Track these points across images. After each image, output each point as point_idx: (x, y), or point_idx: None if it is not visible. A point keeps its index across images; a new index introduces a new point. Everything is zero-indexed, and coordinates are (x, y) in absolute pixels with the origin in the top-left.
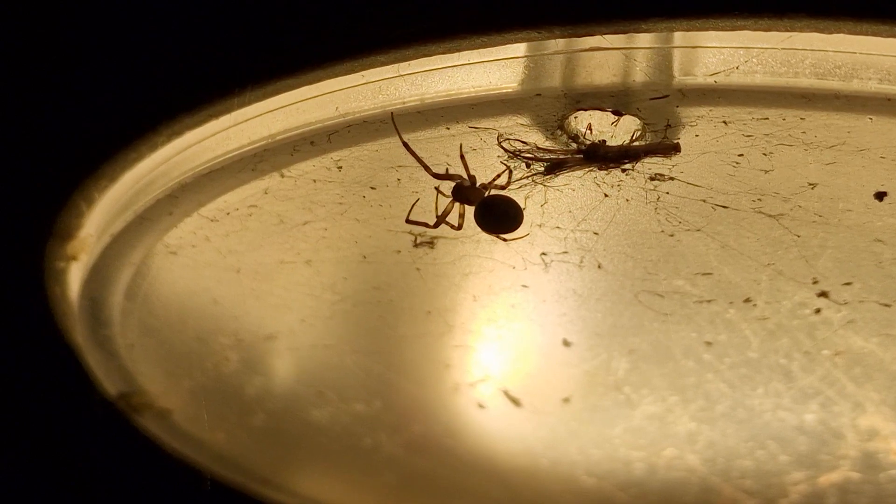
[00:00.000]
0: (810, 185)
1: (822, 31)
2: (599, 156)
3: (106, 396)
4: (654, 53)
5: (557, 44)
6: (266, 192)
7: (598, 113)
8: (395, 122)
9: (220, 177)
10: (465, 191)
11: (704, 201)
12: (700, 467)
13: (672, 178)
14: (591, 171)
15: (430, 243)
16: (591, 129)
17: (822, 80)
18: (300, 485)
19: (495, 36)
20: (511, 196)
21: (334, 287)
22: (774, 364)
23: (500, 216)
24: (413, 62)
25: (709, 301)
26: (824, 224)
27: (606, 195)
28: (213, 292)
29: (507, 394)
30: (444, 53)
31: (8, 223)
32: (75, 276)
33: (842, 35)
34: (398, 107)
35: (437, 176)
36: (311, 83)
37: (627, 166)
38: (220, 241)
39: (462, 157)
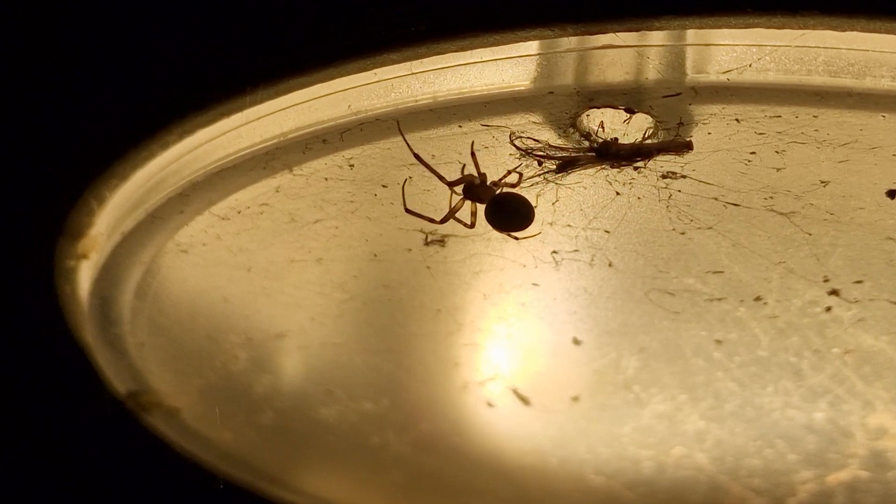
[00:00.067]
0: (822, 182)
1: (835, 29)
2: (612, 154)
3: (115, 395)
4: (667, 51)
5: (570, 41)
6: (277, 191)
7: (610, 111)
8: (404, 134)
9: (231, 175)
10: (476, 189)
11: (716, 199)
12: (708, 466)
13: (684, 176)
14: (604, 169)
15: (441, 241)
16: (603, 127)
17: (835, 77)
18: (307, 483)
19: (508, 34)
20: (522, 194)
21: (344, 285)
22: (784, 362)
23: (510, 214)
24: (426, 60)
25: (719, 299)
26: (836, 222)
27: (618, 193)
28: (224, 291)
29: (516, 392)
30: (456, 51)
31: (19, 222)
32: (85, 275)
33: (855, 33)
34: (410, 105)
35: (451, 183)
36: (323, 81)
37: (640, 164)
38: (231, 240)
39: (473, 154)
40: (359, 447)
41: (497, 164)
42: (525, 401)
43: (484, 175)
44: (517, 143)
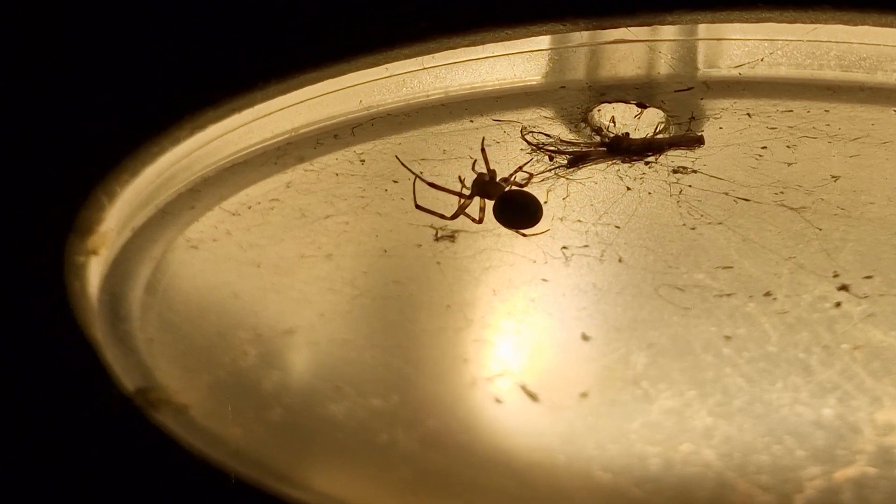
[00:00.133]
0: (833, 177)
1: (846, 24)
2: (623, 148)
3: (123, 392)
4: (679, 45)
5: (582, 36)
6: (288, 186)
7: (621, 105)
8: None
9: (242, 170)
10: (485, 185)
11: (727, 194)
12: (716, 462)
13: (695, 171)
14: (614, 164)
15: (451, 237)
16: (614, 122)
17: (847, 72)
18: (315, 480)
19: (520, 28)
20: (531, 192)
21: (354, 281)
22: (793, 358)
23: (519, 211)
24: (437, 55)
25: (729, 295)
26: (846, 217)
27: (629, 188)
28: (234, 287)
29: (524, 389)
30: (468, 46)
31: (28, 218)
32: (95, 271)
33: (867, 27)
34: (421, 100)
35: (461, 196)
36: (334, 76)
37: (651, 159)
38: (242, 235)
39: (483, 150)
40: (367, 444)
41: (508, 159)
42: (533, 397)
43: (493, 171)
44: (528, 137)
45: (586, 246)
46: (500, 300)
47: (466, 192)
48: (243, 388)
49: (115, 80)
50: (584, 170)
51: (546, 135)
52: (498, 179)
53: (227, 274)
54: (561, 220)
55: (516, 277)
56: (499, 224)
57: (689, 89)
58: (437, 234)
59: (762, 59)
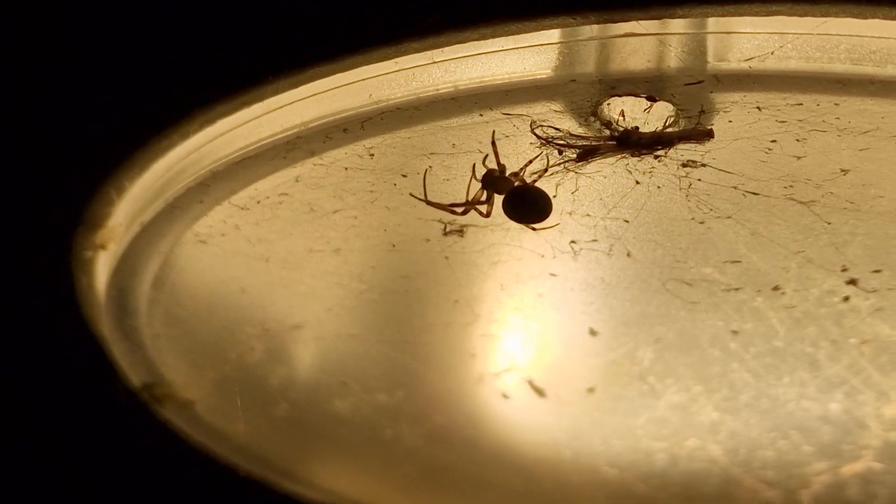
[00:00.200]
0: (842, 171)
1: (857, 17)
2: (632, 142)
3: (129, 387)
4: (689, 39)
5: (592, 30)
6: (297, 180)
7: (631, 99)
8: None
9: (252, 165)
10: (495, 179)
11: (736, 188)
12: (722, 458)
13: (704, 165)
14: (624, 157)
15: (460, 231)
16: (624, 116)
17: (857, 65)
18: (320, 476)
19: (530, 22)
20: (540, 186)
21: (362, 276)
22: (800, 353)
23: (528, 206)
24: (447, 49)
25: (737, 289)
26: (855, 211)
27: (638, 182)
28: (241, 281)
29: (531, 384)
30: (478, 40)
31: (37, 212)
32: (103, 266)
33: (877, 20)
34: (431, 93)
35: (468, 204)
36: (344, 70)
37: (660, 153)
38: (250, 230)
39: (494, 143)
40: (372, 440)
41: (518, 153)
42: (540, 392)
43: (503, 166)
44: (538, 131)
45: (595, 240)
46: (508, 295)
47: (476, 183)
48: (250, 383)
49: (125, 74)
50: (593, 164)
51: (556, 129)
52: (507, 174)
53: (235, 269)
54: (570, 214)
55: (524, 272)
56: (508, 218)
57: (699, 83)
58: (445, 228)
59: (772, 53)
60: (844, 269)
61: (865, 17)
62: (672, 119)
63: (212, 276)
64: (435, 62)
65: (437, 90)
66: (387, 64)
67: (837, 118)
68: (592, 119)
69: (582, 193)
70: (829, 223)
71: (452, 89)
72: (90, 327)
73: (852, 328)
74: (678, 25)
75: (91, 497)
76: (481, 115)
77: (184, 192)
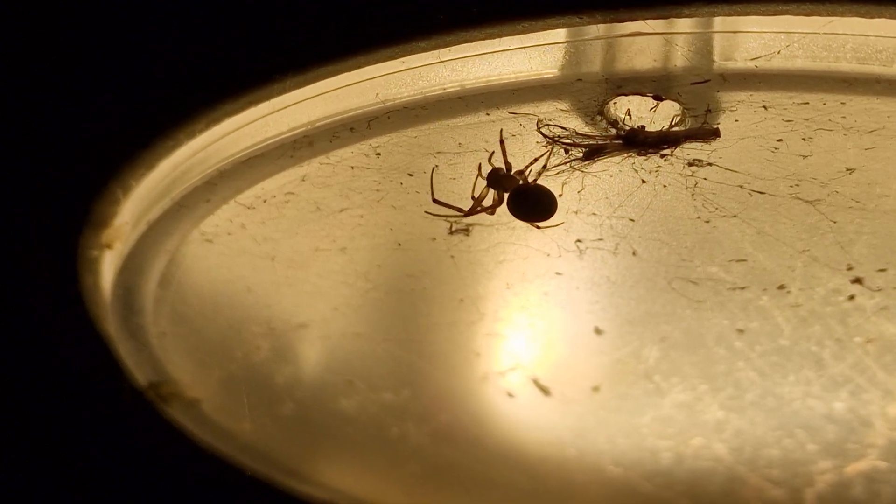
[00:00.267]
0: (848, 170)
1: (863, 16)
2: (639, 141)
3: (135, 386)
4: (696, 38)
5: (598, 29)
6: (304, 180)
7: (637, 98)
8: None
9: (258, 164)
10: (501, 178)
11: (741, 187)
12: (727, 456)
13: (710, 164)
14: (630, 156)
15: (466, 230)
16: (630, 115)
17: (863, 64)
18: (325, 475)
19: (536, 21)
20: (545, 185)
21: (368, 275)
22: (806, 351)
23: (533, 205)
24: (454, 48)
25: (742, 288)
26: (861, 210)
27: (644, 181)
28: (248, 280)
29: (536, 383)
30: (484, 39)
31: (43, 211)
32: (109, 265)
33: (883, 19)
34: (438, 93)
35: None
36: (350, 70)
37: (666, 152)
38: (256, 229)
39: (502, 142)
40: (378, 438)
41: (524, 152)
42: (545, 391)
43: (509, 164)
44: (544, 130)
45: (600, 239)
46: (514, 294)
47: (482, 181)
48: (256, 382)
49: (132, 74)
50: (599, 163)
51: (562, 128)
52: (513, 172)
53: (241, 268)
54: (575, 213)
55: (530, 271)
56: (513, 217)
57: (705, 82)
58: (451, 227)
59: (779, 52)
60: (850, 268)
61: (871, 17)
62: (678, 118)
63: (218, 275)
64: (442, 61)
65: (444, 89)
66: (393, 63)
67: (843, 117)
68: (599, 118)
69: (588, 192)
70: (834, 222)
71: (459, 88)
72: (96, 326)
73: (857, 327)
74: (685, 25)
75: (97, 496)
76: (488, 115)
77: (190, 191)
